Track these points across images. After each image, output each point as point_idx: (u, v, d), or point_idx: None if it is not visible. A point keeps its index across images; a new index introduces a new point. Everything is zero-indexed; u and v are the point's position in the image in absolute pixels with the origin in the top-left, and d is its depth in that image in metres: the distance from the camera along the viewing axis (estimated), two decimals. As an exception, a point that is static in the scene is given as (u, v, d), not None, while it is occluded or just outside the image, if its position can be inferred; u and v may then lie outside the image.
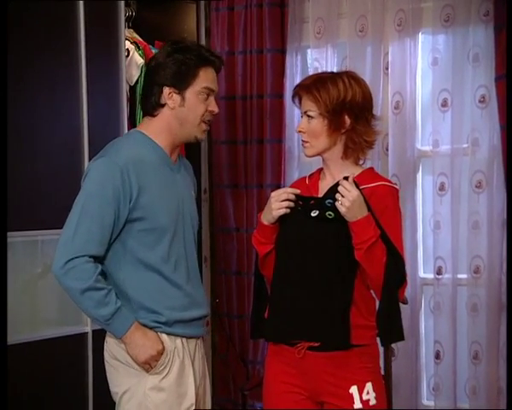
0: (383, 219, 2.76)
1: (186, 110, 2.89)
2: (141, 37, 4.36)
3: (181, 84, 2.87)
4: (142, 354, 2.82)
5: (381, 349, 3.04)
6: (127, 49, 4.18)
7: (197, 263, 3.03)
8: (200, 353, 3.01)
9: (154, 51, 4.29)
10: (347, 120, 2.82)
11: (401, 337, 2.83)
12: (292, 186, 3.03)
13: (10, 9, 3.58)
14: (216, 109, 2.92)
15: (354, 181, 2.73)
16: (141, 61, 4.25)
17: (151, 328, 2.87)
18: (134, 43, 4.28)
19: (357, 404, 2.79)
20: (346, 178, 2.73)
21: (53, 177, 3.83)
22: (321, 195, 2.86)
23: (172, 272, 2.89)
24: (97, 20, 3.96)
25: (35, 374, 3.79)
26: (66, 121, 3.90)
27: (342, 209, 2.70)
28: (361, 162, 2.91)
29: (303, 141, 2.89)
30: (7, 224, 2.86)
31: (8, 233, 3.62)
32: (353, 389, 2.80)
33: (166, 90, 2.87)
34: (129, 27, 4.30)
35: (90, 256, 2.79)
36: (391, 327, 2.80)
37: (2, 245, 2.79)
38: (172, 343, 2.89)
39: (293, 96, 2.94)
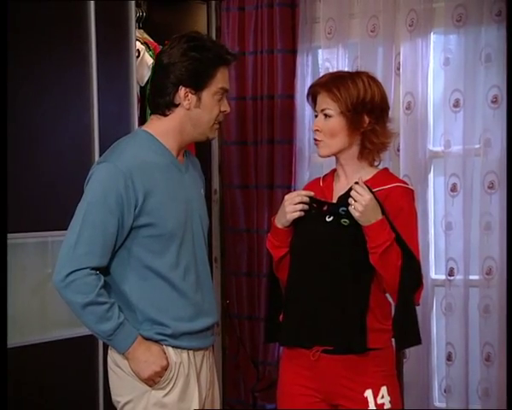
0: (398, 221, 2.74)
1: (201, 111, 2.77)
2: (151, 37, 4.36)
3: (198, 85, 2.75)
4: (145, 370, 2.71)
5: (392, 351, 3.02)
6: (138, 50, 4.18)
7: (208, 266, 2.91)
8: (207, 363, 2.90)
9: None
10: (366, 120, 2.79)
11: (418, 341, 2.82)
12: (306, 188, 3.01)
13: (21, 9, 3.60)
14: (228, 109, 2.84)
15: (366, 185, 2.71)
16: (151, 61, 4.25)
17: (156, 341, 2.76)
18: (144, 43, 4.28)
19: (372, 407, 2.76)
20: (357, 183, 2.71)
21: (63, 177, 3.83)
22: (335, 197, 2.84)
23: (181, 280, 2.77)
24: (108, 20, 3.97)
25: (45, 375, 3.79)
26: (77, 122, 3.90)
27: (356, 214, 2.68)
28: (376, 164, 2.90)
29: (316, 140, 2.84)
30: (7, 225, 2.83)
31: (19, 234, 3.66)
32: (368, 393, 2.78)
33: (182, 90, 2.73)
34: (139, 28, 4.30)
35: (93, 268, 2.67)
36: (407, 331, 2.78)
37: (2, 246, 2.76)
38: (178, 357, 2.78)
39: (308, 94, 2.90)
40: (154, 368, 2.72)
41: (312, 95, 2.88)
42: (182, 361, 2.79)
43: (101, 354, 3.94)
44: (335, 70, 4.25)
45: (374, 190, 2.76)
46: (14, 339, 3.69)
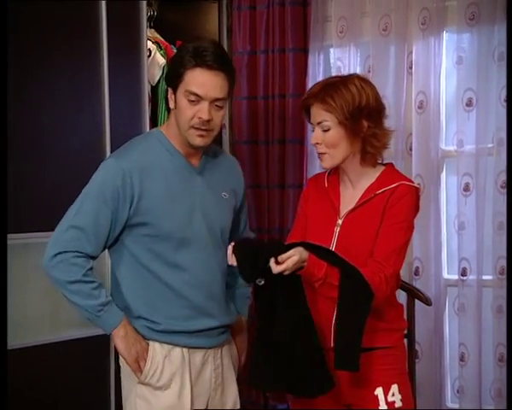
0: (390, 213, 2.74)
1: (178, 112, 2.75)
2: (162, 37, 4.35)
3: (172, 85, 2.76)
4: (131, 349, 2.77)
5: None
6: (149, 49, 4.17)
7: (218, 270, 2.87)
8: (213, 363, 2.90)
9: (175, 51, 4.28)
10: (365, 125, 2.75)
11: (355, 368, 2.66)
12: (309, 183, 3.01)
13: (33, 10, 3.59)
14: (204, 116, 2.70)
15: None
16: (162, 61, 4.24)
17: (143, 335, 2.81)
18: (156, 43, 4.27)
19: (383, 406, 2.77)
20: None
21: (76, 177, 3.80)
22: (342, 208, 2.82)
23: (177, 280, 2.79)
24: (119, 20, 3.97)
25: (57, 376, 3.79)
26: (89, 121, 3.90)
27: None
28: (379, 161, 2.86)
29: (320, 153, 2.79)
30: (7, 226, 2.83)
31: (31, 234, 3.65)
32: (378, 391, 2.78)
33: (169, 90, 2.78)
34: (150, 27, 4.29)
35: (82, 253, 2.73)
36: (343, 354, 2.66)
37: (2, 248, 2.76)
38: (166, 352, 2.81)
39: (301, 107, 2.83)
40: (138, 347, 2.77)
41: (306, 107, 2.81)
42: (169, 356, 2.81)
43: (113, 355, 3.93)
44: (347, 69, 4.26)
45: (378, 192, 2.77)
46: (26, 339, 3.71)
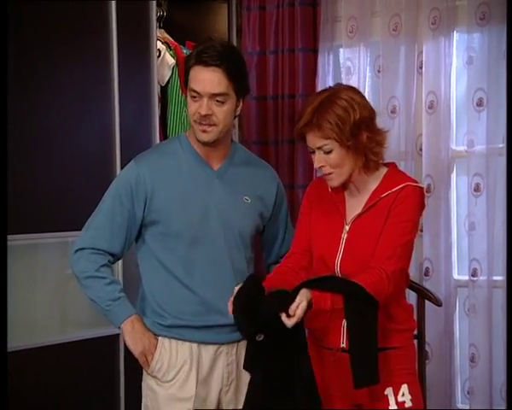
0: (393, 214, 2.73)
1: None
2: (172, 37, 4.35)
3: (185, 85, 2.92)
4: (137, 344, 2.90)
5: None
6: (158, 50, 4.17)
7: (233, 270, 2.94)
8: (226, 359, 2.98)
9: (185, 51, 4.28)
10: (365, 136, 2.72)
11: (376, 381, 2.65)
12: (312, 186, 2.99)
13: (42, 9, 3.60)
14: (202, 111, 2.84)
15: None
16: (172, 61, 4.24)
17: (153, 332, 2.94)
18: (165, 43, 4.27)
19: (393, 405, 2.78)
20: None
21: (85, 177, 3.83)
22: (349, 213, 2.81)
23: (188, 276, 2.91)
24: (129, 20, 3.97)
25: (66, 376, 3.79)
26: (98, 122, 3.90)
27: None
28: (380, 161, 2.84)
29: (326, 174, 2.76)
30: (7, 227, 2.84)
31: (39, 234, 3.67)
32: (388, 391, 2.79)
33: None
34: (160, 28, 4.29)
35: (99, 249, 2.92)
36: (364, 371, 2.65)
37: (2, 249, 2.76)
38: (173, 347, 2.93)
39: (296, 136, 2.80)
40: (147, 342, 2.90)
41: (301, 135, 2.77)
42: (177, 352, 2.93)
43: (123, 355, 3.93)
44: (357, 69, 4.25)
45: (383, 195, 2.76)
46: (35, 339, 3.71)
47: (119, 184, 2.96)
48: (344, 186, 2.85)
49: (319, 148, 2.72)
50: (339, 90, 2.77)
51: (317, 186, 2.95)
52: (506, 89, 3.56)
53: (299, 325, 2.59)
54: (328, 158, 2.72)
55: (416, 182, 2.84)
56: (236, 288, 2.68)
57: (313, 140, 2.72)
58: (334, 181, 2.78)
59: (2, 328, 2.70)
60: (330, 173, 2.75)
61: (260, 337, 2.62)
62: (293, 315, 2.54)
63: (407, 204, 2.75)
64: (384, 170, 2.83)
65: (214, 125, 2.86)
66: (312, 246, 2.88)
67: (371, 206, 2.79)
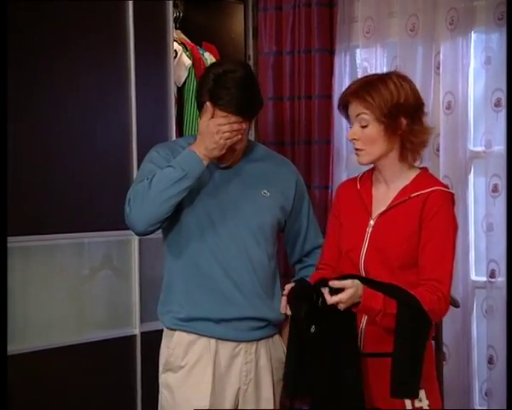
0: (431, 224, 2.72)
1: None
2: (188, 38, 4.35)
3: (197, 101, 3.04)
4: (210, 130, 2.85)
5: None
6: (175, 51, 4.17)
7: (250, 263, 2.98)
8: (246, 357, 2.98)
9: (201, 52, 4.28)
10: (403, 122, 2.75)
11: (413, 394, 2.68)
12: (341, 188, 3.01)
13: (59, 8, 3.60)
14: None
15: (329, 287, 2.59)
16: (188, 62, 4.24)
17: (168, 327, 2.98)
18: (182, 44, 4.26)
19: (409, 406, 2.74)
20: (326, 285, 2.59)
21: (101, 178, 3.83)
22: (375, 206, 2.81)
23: (202, 266, 2.93)
24: (146, 20, 3.97)
25: (83, 377, 3.79)
26: (115, 122, 3.91)
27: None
28: (417, 163, 2.86)
29: (356, 149, 2.79)
30: (7, 229, 2.84)
31: (56, 235, 3.68)
32: None
33: None
34: (176, 28, 4.29)
35: None
36: (401, 382, 2.64)
37: (2, 250, 2.77)
38: (190, 341, 2.94)
39: (340, 104, 2.85)
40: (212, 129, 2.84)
41: (343, 104, 2.83)
42: (193, 346, 2.94)
43: (139, 355, 3.93)
44: (374, 70, 4.23)
45: (412, 195, 2.75)
46: (52, 340, 3.71)
47: (152, 157, 3.00)
48: (372, 181, 2.87)
49: (358, 115, 2.75)
50: (392, 74, 2.84)
51: (346, 187, 2.99)
52: (506, 89, 3.53)
53: (351, 317, 2.62)
54: (363, 132, 2.75)
55: (447, 187, 2.86)
56: (288, 286, 2.74)
57: (355, 108, 2.76)
58: (364, 158, 2.80)
59: (3, 328, 2.70)
60: (361, 150, 2.78)
61: (313, 329, 2.65)
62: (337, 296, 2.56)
63: (442, 217, 2.75)
64: (416, 171, 2.85)
65: (234, 150, 2.93)
66: (340, 243, 2.88)
67: (398, 203, 2.79)
